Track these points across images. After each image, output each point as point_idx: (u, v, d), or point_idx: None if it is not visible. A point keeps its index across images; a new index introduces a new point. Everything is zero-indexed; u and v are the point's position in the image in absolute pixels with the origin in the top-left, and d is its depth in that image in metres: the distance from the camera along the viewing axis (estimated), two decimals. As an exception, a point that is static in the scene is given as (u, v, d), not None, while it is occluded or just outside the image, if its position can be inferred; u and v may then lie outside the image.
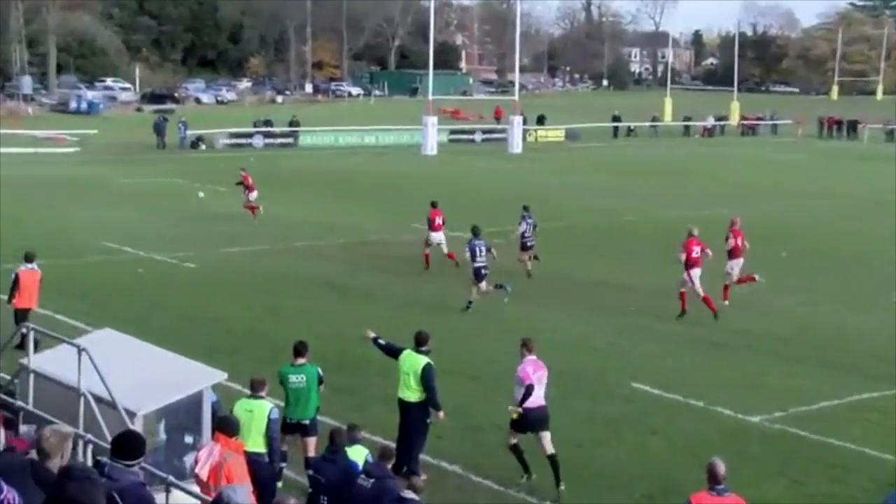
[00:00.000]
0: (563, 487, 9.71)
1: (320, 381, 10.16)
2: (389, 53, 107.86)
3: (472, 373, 13.91)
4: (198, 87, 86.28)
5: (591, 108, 76.06)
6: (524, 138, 54.23)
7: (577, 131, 61.38)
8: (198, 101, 79.39)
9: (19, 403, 8.95)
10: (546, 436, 9.86)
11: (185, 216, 28.51)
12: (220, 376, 9.25)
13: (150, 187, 34.61)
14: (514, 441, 10.00)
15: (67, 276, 19.99)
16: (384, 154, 49.89)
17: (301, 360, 10.19)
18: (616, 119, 64.35)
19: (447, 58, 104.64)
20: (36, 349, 9.82)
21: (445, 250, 20.66)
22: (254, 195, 27.29)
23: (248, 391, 9.61)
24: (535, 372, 9.90)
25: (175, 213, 29.06)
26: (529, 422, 9.82)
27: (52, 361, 9.16)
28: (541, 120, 62.43)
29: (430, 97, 51.22)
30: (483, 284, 17.22)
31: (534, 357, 10.03)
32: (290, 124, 56.64)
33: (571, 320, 17.01)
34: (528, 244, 20.30)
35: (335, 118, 64.12)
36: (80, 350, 8.70)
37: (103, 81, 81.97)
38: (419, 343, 10.24)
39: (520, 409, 9.75)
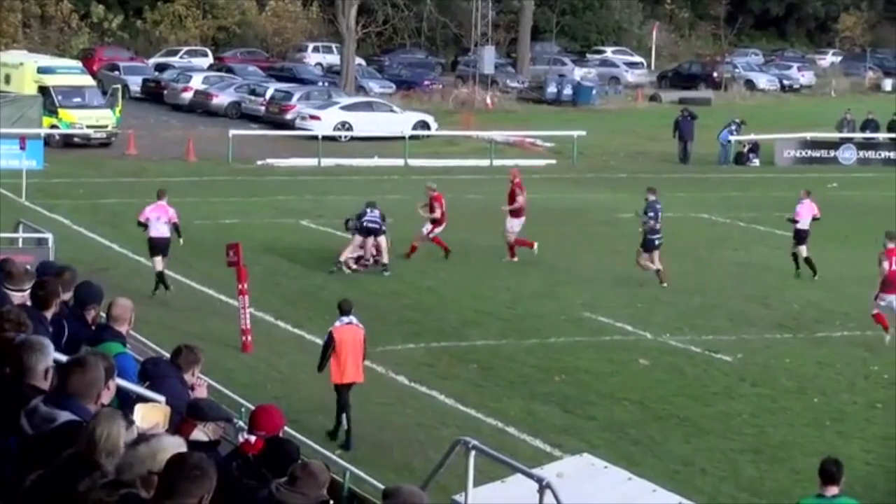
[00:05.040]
0: (171, 289, 25.67)
1: None
2: None
3: None
4: (751, 62, 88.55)
5: None
6: None
7: None
8: (750, 85, 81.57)
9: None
10: (158, 260, 26.03)
11: (721, 277, 29.55)
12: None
13: (665, 226, 36.21)
14: (159, 269, 25.97)
15: (525, 365, 21.88)
16: None
17: (833, 489, 11.83)
18: None
19: None
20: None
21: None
22: (436, 229, 30.51)
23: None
24: (152, 212, 26.14)
25: (702, 269, 30.23)
26: (154, 247, 26.11)
27: (503, 499, 9.96)
28: None
29: None
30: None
31: (163, 202, 26.37)
32: (891, 127, 55.74)
33: None
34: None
35: None
36: (542, 486, 9.34)
37: (600, 53, 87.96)
38: None
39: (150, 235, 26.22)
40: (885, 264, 24.19)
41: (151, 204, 26.39)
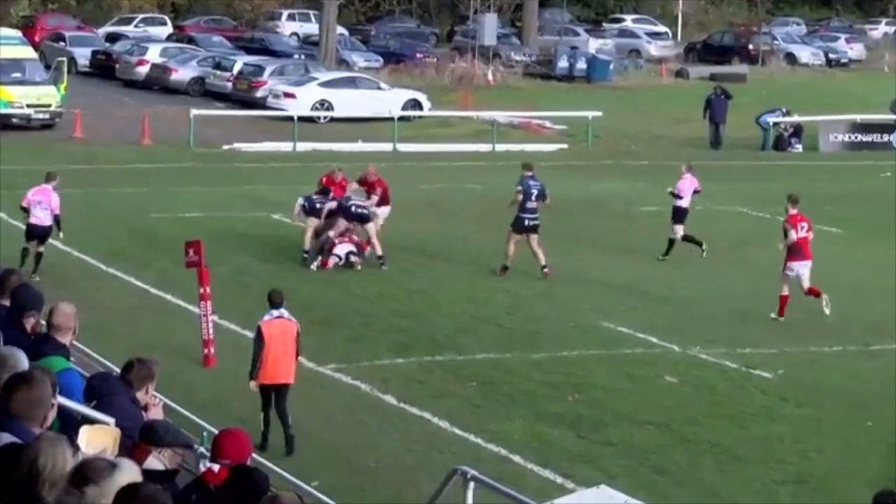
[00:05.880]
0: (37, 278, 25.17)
1: None
2: None
3: None
4: (792, 32, 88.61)
5: None
6: None
7: None
8: (791, 59, 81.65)
9: None
10: (33, 244, 27.10)
11: (759, 280, 29.55)
12: None
13: (693, 221, 36.20)
14: (25, 246, 27.06)
15: (531, 381, 21.87)
16: None
17: None
18: None
19: None
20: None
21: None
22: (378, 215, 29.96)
23: None
24: (34, 196, 27.03)
25: (738, 271, 30.22)
26: (31, 235, 27.09)
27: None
28: None
29: None
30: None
31: (49, 187, 27.12)
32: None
33: None
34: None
35: None
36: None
37: (619, 21, 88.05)
38: None
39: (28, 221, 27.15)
40: (792, 232, 26.09)
41: (36, 186, 27.49)
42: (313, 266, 28.66)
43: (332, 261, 28.86)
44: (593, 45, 78.67)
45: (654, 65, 77.73)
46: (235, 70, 59.70)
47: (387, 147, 48.10)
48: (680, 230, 31.04)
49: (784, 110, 53.65)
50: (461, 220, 34.29)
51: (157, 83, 61.42)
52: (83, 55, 65.48)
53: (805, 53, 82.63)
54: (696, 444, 19.39)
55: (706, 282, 29.15)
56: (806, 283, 26.15)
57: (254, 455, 10.13)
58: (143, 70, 62.41)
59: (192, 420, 15.74)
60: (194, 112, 48.58)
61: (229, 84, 59.05)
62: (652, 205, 38.00)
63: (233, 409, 19.43)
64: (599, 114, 53.16)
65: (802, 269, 26.14)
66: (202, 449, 12.20)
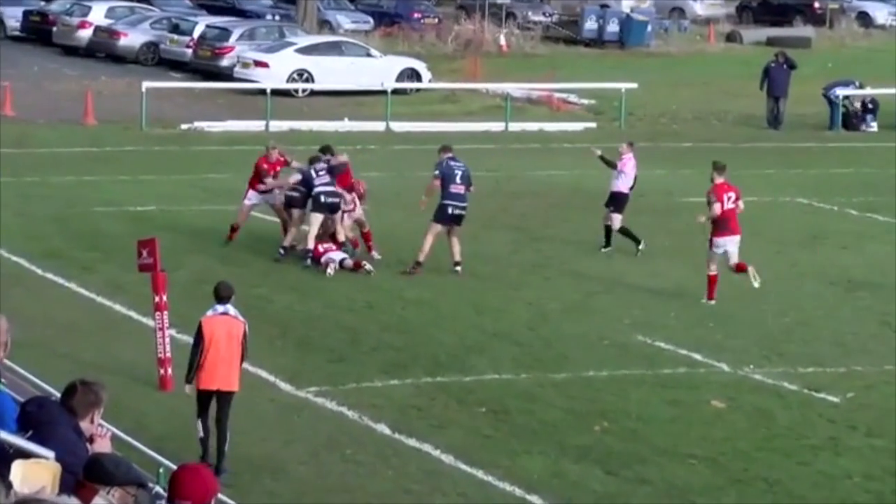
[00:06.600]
0: None
1: None
2: None
3: None
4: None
5: None
6: None
7: None
8: (864, 19, 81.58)
9: None
10: None
11: (825, 285, 29.67)
12: None
13: (744, 214, 36.28)
14: None
15: (552, 407, 21.98)
16: None
17: None
18: None
19: None
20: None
21: None
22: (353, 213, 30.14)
23: None
24: None
25: (800, 274, 30.30)
26: None
27: None
28: None
29: None
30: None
31: None
32: None
33: None
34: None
35: None
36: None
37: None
38: None
39: None
40: (717, 204, 27.57)
41: None
42: (329, 271, 28.70)
43: (332, 266, 28.79)
44: (627, 2, 78.62)
45: (701, 26, 77.74)
46: (196, 34, 59.65)
47: (378, 126, 48.10)
48: (618, 220, 31.35)
49: (857, 83, 53.58)
50: (468, 216, 34.29)
51: (103, 50, 61.43)
52: (13, 16, 65.51)
53: (882, 13, 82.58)
54: (748, 483, 19.48)
55: (762, 288, 29.19)
56: (734, 260, 27.73)
57: (219, 495, 10.25)
58: (86, 34, 62.36)
59: (147, 454, 15.84)
60: (147, 85, 48.46)
61: (189, 51, 59.03)
62: (697, 195, 38.00)
63: (194, 441, 19.52)
64: (634, 86, 53.14)
65: (730, 246, 27.64)
66: (158, 488, 12.31)
